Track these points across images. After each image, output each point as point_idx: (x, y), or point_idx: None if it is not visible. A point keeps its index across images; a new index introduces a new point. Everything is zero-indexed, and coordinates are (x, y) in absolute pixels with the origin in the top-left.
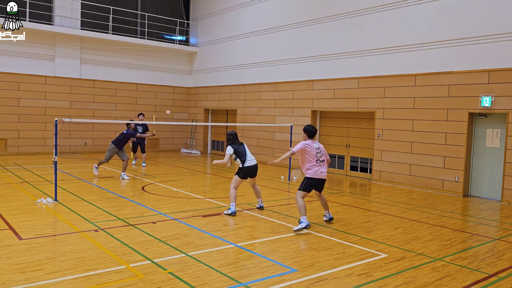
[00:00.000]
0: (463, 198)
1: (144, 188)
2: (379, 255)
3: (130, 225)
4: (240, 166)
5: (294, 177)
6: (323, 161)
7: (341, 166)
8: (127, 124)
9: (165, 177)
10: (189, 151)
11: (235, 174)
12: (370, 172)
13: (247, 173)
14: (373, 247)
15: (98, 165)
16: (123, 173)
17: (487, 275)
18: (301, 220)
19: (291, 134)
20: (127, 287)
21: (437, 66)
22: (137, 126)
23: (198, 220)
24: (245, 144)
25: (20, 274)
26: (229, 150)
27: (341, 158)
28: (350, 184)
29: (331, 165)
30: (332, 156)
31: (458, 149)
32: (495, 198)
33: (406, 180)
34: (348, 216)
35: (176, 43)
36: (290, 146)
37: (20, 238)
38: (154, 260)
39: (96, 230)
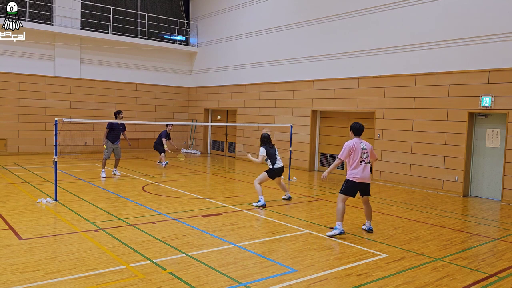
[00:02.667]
0: (463, 198)
1: (144, 188)
2: (379, 255)
3: (130, 225)
4: (270, 167)
5: (294, 178)
6: (368, 162)
7: (341, 166)
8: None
9: (165, 177)
10: (189, 151)
11: (264, 172)
12: (370, 172)
13: (276, 173)
14: (373, 247)
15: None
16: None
17: (487, 275)
18: (336, 226)
19: (291, 134)
20: (127, 287)
21: (437, 66)
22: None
23: (198, 220)
24: (276, 147)
25: (20, 274)
26: (262, 151)
27: None
28: None
29: (330, 164)
30: (332, 156)
31: (458, 149)
32: (495, 198)
33: (406, 180)
34: (348, 216)
35: (176, 43)
36: (290, 146)
37: (20, 238)
38: (154, 260)
39: (96, 230)
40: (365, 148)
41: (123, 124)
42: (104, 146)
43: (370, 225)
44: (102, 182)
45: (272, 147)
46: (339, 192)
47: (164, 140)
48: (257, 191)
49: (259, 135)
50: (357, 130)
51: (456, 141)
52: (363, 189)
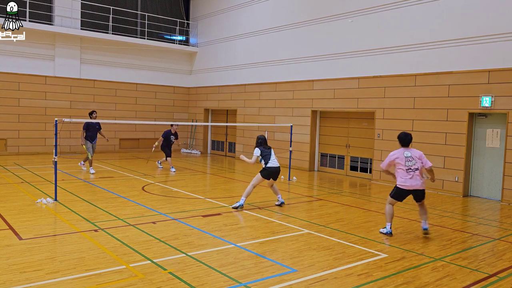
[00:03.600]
0: (463, 198)
1: (144, 188)
2: (379, 255)
3: (130, 225)
4: (264, 166)
5: (294, 178)
6: (417, 169)
7: (341, 166)
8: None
9: (165, 177)
10: (189, 151)
11: (259, 172)
12: (370, 172)
13: (270, 174)
14: (373, 247)
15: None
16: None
17: (487, 275)
18: (386, 226)
19: (291, 134)
20: (127, 287)
21: (437, 66)
22: (171, 136)
23: (198, 220)
24: (272, 149)
25: (20, 274)
26: (257, 152)
27: (341, 158)
28: (350, 184)
29: (330, 165)
30: (332, 156)
31: (458, 149)
32: (495, 198)
33: None
34: (348, 216)
35: (176, 43)
36: (290, 146)
37: (20, 238)
38: (154, 260)
39: (96, 230)
40: (410, 156)
41: (98, 123)
42: (84, 146)
43: (425, 224)
44: (91, 178)
45: (268, 148)
46: (389, 195)
47: (161, 139)
48: (245, 191)
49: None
50: (403, 141)
51: (456, 141)
52: (415, 195)
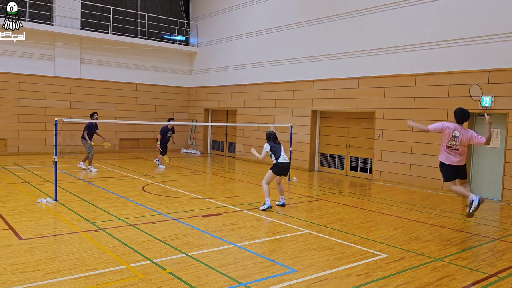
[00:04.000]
0: (463, 198)
1: (144, 188)
2: (379, 255)
3: (130, 225)
4: (274, 162)
5: (294, 178)
6: (457, 149)
7: (341, 166)
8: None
9: (165, 177)
10: (189, 151)
11: (269, 169)
12: (370, 172)
13: (281, 169)
14: (373, 247)
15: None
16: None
17: (487, 275)
18: (469, 200)
19: (291, 134)
20: (127, 287)
21: (437, 66)
22: (168, 132)
23: (198, 220)
24: (282, 145)
25: (20, 274)
26: (266, 147)
27: (341, 158)
28: (350, 184)
29: (330, 165)
30: (332, 156)
31: None
32: (495, 198)
33: (406, 180)
34: (348, 216)
35: (176, 43)
36: (290, 146)
37: (20, 238)
38: (154, 260)
39: (96, 230)
40: (458, 137)
41: (97, 124)
42: (92, 143)
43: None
44: (93, 175)
45: (278, 144)
46: (444, 181)
47: (160, 136)
48: (264, 193)
49: (259, 135)
50: (458, 117)
51: None
52: (457, 172)
